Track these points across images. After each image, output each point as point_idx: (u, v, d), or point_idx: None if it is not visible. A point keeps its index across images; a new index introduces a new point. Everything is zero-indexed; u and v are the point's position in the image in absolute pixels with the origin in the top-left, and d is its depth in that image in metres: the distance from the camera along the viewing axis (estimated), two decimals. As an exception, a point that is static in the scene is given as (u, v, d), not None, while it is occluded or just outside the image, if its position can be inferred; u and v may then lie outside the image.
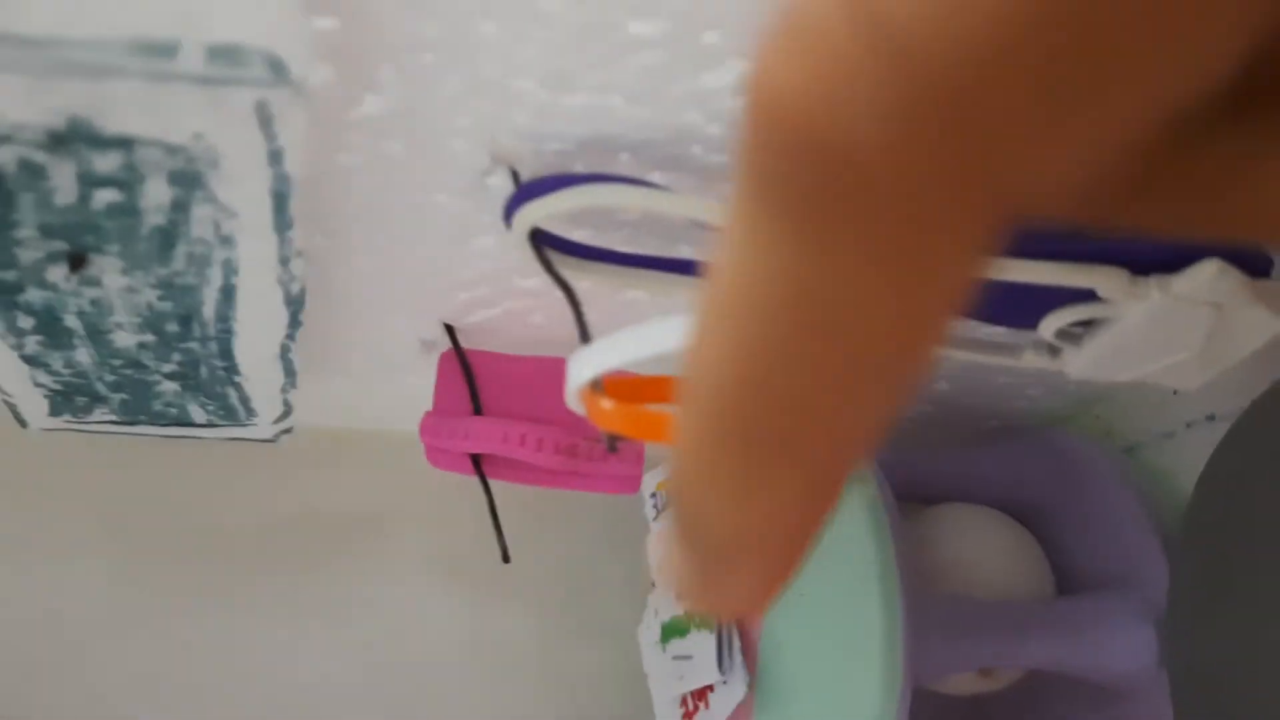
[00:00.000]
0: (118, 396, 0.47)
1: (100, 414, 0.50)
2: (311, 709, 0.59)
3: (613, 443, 0.46)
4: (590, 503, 0.65)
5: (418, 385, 0.53)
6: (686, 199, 0.34)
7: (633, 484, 0.49)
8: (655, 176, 0.38)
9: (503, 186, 0.38)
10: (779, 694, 0.49)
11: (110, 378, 0.45)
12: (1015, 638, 0.50)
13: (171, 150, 0.30)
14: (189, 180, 0.31)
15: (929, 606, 0.48)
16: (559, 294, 0.49)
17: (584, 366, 0.34)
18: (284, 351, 0.43)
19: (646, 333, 0.31)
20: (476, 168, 0.37)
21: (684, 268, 0.42)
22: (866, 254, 0.10)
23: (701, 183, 0.38)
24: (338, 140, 0.34)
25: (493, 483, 0.51)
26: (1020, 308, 0.42)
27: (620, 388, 0.36)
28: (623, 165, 0.37)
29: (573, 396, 0.35)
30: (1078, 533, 0.57)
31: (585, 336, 0.37)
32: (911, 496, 0.56)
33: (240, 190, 0.32)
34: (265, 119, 0.29)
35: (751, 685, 0.49)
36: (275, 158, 0.30)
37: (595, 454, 0.49)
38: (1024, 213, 0.10)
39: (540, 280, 0.47)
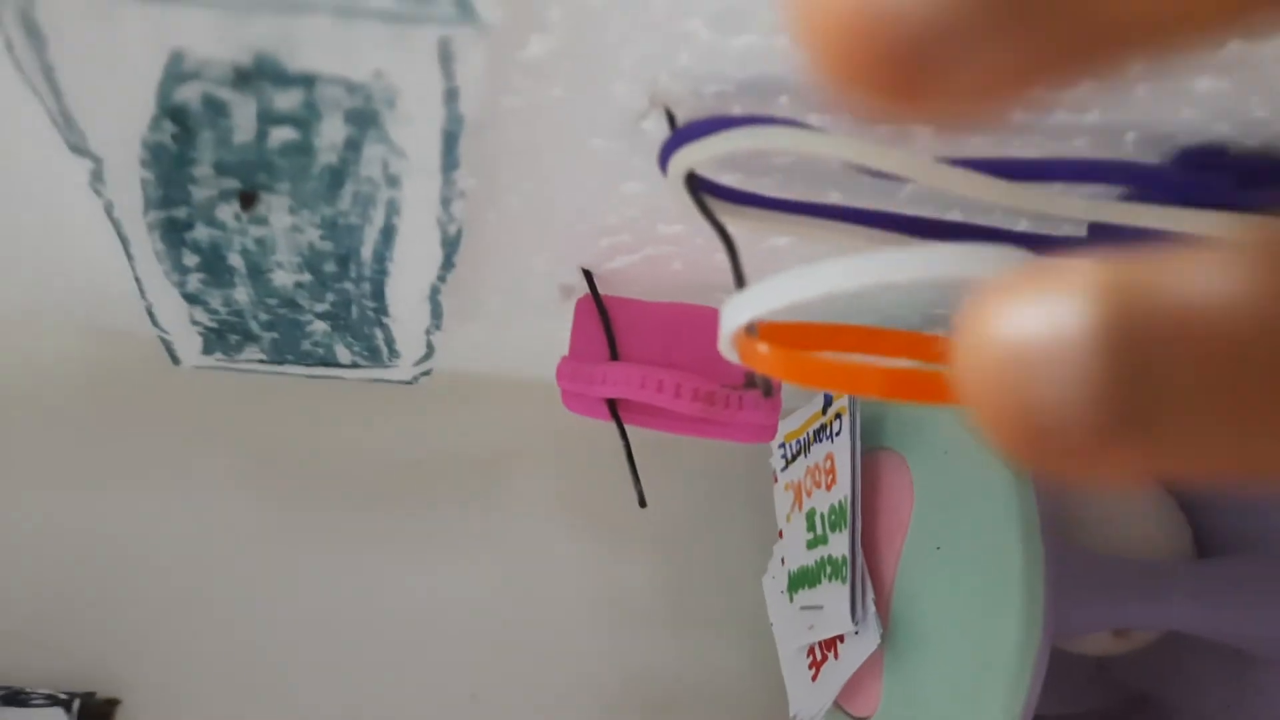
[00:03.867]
0: (269, 335, 0.49)
1: (250, 353, 0.51)
2: (440, 640, 0.61)
3: (768, 388, 0.46)
4: (715, 452, 0.65)
5: (553, 331, 0.53)
6: (855, 142, 0.33)
7: (769, 432, 0.49)
8: (813, 119, 0.37)
9: (657, 130, 0.38)
10: (911, 646, 0.49)
11: (264, 316, 0.46)
12: (1157, 599, 0.49)
13: (351, 88, 0.30)
14: (365, 119, 0.32)
15: (1069, 562, 0.47)
16: (699, 241, 0.49)
17: (741, 309, 0.33)
18: (434, 293, 0.44)
19: (808, 275, 0.31)
20: (633, 111, 0.37)
21: (835, 214, 0.41)
22: None
23: (860, 124, 0.37)
24: (501, 82, 0.34)
25: (627, 429, 0.52)
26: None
27: (773, 334, 0.36)
28: (781, 108, 0.37)
29: (726, 340, 0.35)
30: (1222, 495, 0.55)
31: (740, 281, 0.37)
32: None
33: (413, 130, 0.32)
34: (446, 57, 0.29)
35: (884, 636, 0.49)
36: (451, 97, 0.31)
37: (732, 401, 0.49)
38: None
39: (682, 226, 0.47)
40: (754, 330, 0.35)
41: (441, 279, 0.43)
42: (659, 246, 0.48)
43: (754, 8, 0.32)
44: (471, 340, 0.57)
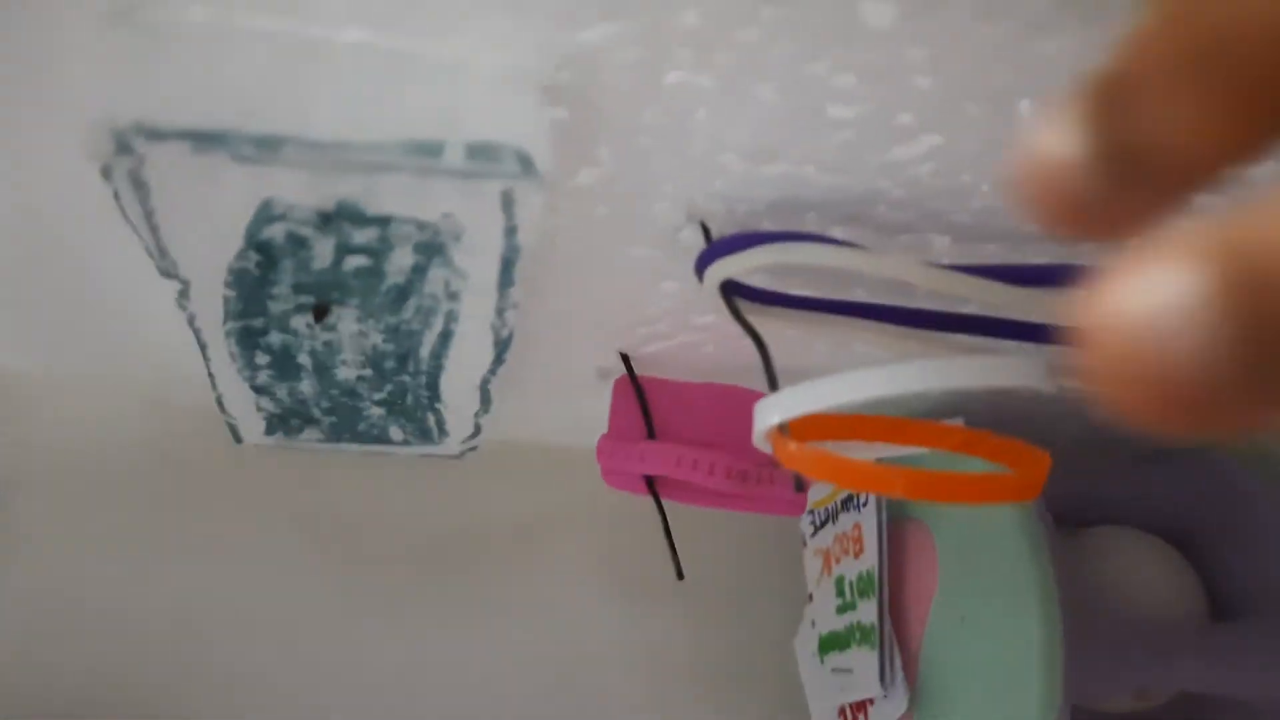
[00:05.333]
0: (328, 420, 0.52)
1: (309, 434, 0.54)
2: (484, 697, 0.64)
3: (800, 483, 0.48)
4: (747, 517, 0.68)
5: (591, 407, 0.56)
6: (875, 258, 0.36)
7: (799, 506, 0.52)
8: (837, 230, 0.40)
9: (693, 239, 0.41)
10: (938, 711, 0.51)
11: (325, 404, 0.50)
12: (1172, 661, 0.51)
13: (421, 226, 0.34)
14: (432, 250, 0.35)
15: (1087, 628, 0.49)
16: (731, 329, 0.52)
17: (773, 410, 0.37)
18: (484, 384, 0.47)
19: (831, 385, 0.35)
20: (672, 224, 0.40)
21: (858, 311, 0.44)
22: None
23: (882, 237, 0.40)
24: (551, 206, 0.38)
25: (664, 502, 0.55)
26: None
27: (803, 423, 0.38)
28: (808, 222, 0.40)
29: (760, 437, 0.38)
30: (1235, 556, 0.57)
31: (772, 379, 0.40)
32: (1068, 519, 0.57)
33: (475, 258, 0.35)
34: (508, 203, 0.32)
35: (911, 701, 0.52)
36: (510, 232, 0.34)
37: (764, 478, 0.52)
38: None
39: (715, 316, 0.50)
40: (785, 428, 0.38)
41: (492, 372, 0.46)
42: (692, 334, 0.51)
43: (783, 146, 0.35)
44: (514, 415, 0.60)
